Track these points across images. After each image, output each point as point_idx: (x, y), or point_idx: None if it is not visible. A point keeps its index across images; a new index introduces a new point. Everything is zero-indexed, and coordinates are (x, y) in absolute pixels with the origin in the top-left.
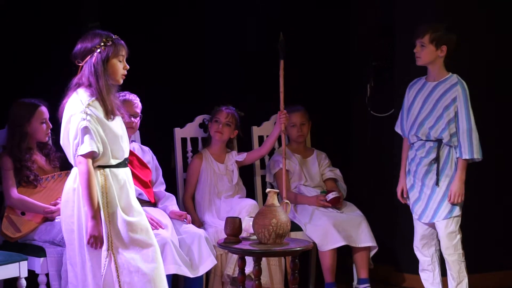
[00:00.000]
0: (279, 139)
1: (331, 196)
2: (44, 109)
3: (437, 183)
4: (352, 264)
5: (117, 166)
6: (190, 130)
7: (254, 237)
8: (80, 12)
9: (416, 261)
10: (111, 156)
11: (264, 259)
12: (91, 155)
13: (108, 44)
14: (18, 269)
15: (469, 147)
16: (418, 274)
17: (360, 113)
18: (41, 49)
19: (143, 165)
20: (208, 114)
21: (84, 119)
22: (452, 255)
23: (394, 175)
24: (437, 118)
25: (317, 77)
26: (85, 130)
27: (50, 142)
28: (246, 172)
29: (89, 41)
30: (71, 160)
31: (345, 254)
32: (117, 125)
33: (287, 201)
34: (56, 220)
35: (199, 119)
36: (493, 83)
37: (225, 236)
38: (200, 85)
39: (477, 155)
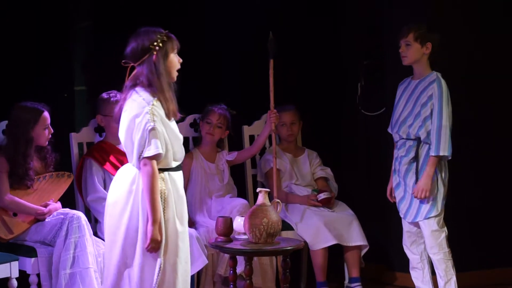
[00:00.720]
0: (270, 138)
1: (322, 196)
2: (47, 115)
3: (416, 181)
4: (344, 263)
5: (176, 169)
6: (181, 130)
7: (245, 236)
8: (72, 11)
9: (407, 260)
10: (172, 158)
11: (255, 258)
12: (158, 157)
13: (165, 39)
14: (9, 270)
15: (436, 144)
16: (408, 272)
17: (351, 112)
18: (33, 49)
19: None
20: (199, 113)
21: (150, 120)
22: (437, 254)
23: (385, 174)
24: (415, 115)
25: (308, 76)
26: (152, 131)
27: (48, 146)
28: (237, 172)
29: (145, 39)
30: (131, 161)
31: (336, 253)
32: (176, 125)
33: (278, 200)
34: (47, 220)
35: (190, 118)
36: (474, 83)
37: (216, 235)
38: (191, 84)
39: (443, 152)
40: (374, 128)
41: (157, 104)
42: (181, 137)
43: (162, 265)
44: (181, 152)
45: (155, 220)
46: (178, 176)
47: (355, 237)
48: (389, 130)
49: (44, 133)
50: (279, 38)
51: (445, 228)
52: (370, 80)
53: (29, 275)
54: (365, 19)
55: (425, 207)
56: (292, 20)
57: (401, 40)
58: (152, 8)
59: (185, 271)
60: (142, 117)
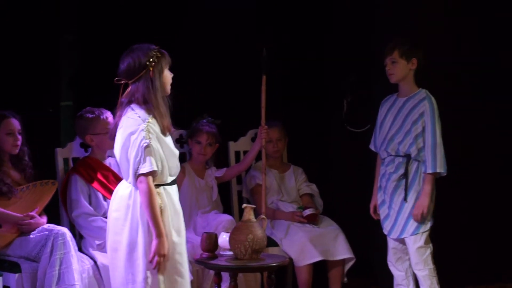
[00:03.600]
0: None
1: (307, 212)
2: (13, 121)
3: (405, 198)
4: (328, 279)
5: (172, 183)
6: None
7: (231, 252)
8: (57, 24)
9: (390, 276)
10: (168, 174)
11: (240, 274)
12: (153, 174)
13: (159, 55)
14: None
15: (432, 161)
16: None
17: (337, 129)
18: (19, 64)
19: (119, 180)
20: (184, 128)
21: (145, 137)
22: (422, 270)
23: (371, 190)
24: (406, 133)
25: (294, 92)
26: (147, 149)
27: (27, 158)
28: (222, 187)
29: (142, 55)
30: (126, 177)
31: (321, 269)
32: (171, 141)
33: (264, 217)
34: (31, 236)
35: (175, 134)
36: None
37: (201, 251)
38: (177, 100)
39: (440, 169)
40: (360, 145)
41: (153, 121)
42: (177, 152)
43: (163, 279)
44: (176, 167)
45: (158, 234)
46: (174, 190)
47: (341, 251)
48: (372, 147)
49: (8, 139)
50: (266, 53)
51: (431, 245)
52: (356, 96)
53: None
54: (351, 36)
55: (413, 224)
56: (279, 36)
57: (386, 58)
58: (139, 23)
59: (182, 284)
60: (137, 134)
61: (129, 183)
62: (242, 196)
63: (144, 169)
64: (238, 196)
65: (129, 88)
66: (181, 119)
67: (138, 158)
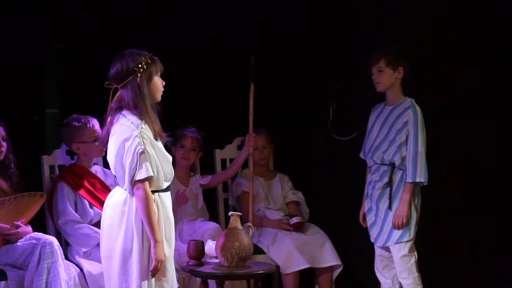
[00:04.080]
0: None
1: (294, 220)
2: None
3: (389, 207)
4: (315, 286)
5: (166, 190)
6: None
7: (217, 260)
8: (42, 32)
9: (377, 283)
10: (163, 179)
11: (227, 282)
12: (149, 180)
13: (149, 62)
14: None
15: (413, 170)
16: None
17: (322, 137)
18: (5, 72)
19: (106, 188)
20: (168, 136)
21: (140, 143)
22: (406, 278)
23: (357, 198)
24: (390, 141)
25: (279, 100)
26: (143, 155)
27: (13, 166)
28: (208, 195)
29: (130, 61)
30: (123, 185)
31: (310, 277)
32: (162, 146)
33: (250, 224)
34: (18, 243)
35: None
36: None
37: (188, 259)
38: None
39: (420, 179)
40: (346, 153)
41: (145, 127)
42: (170, 157)
43: (156, 286)
44: (171, 172)
45: (157, 241)
46: (168, 197)
47: (328, 258)
48: (361, 155)
49: None
50: (254, 61)
51: (415, 253)
52: (341, 104)
53: None
54: (336, 44)
55: (397, 232)
56: (264, 44)
57: (372, 66)
58: (124, 32)
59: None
60: (132, 141)
61: (125, 189)
62: (228, 203)
63: (140, 175)
64: (224, 204)
65: (118, 93)
66: (166, 127)
67: (134, 165)
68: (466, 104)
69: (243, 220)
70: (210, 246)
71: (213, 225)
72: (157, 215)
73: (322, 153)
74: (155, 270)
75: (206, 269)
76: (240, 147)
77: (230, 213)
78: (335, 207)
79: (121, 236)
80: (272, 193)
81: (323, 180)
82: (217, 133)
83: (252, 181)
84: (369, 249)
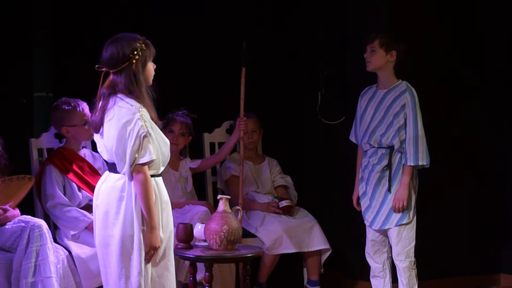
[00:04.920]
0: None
1: (284, 203)
2: None
3: (389, 189)
4: (303, 269)
5: (160, 174)
6: None
7: (206, 243)
8: (30, 18)
9: (366, 267)
10: (161, 163)
11: (215, 265)
12: (151, 164)
13: (143, 48)
14: None
15: (414, 154)
16: (368, 280)
17: (311, 121)
18: None
19: (94, 171)
20: (160, 120)
21: (143, 126)
22: (403, 261)
23: (345, 182)
24: (388, 125)
25: (268, 85)
26: (146, 138)
27: (1, 148)
28: (197, 178)
29: (126, 47)
30: (121, 169)
31: (297, 260)
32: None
33: (239, 208)
34: (6, 226)
35: None
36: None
37: (177, 242)
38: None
39: (422, 162)
40: (334, 137)
41: (145, 110)
42: (168, 141)
43: (154, 273)
44: (168, 156)
45: (153, 227)
46: (162, 181)
47: (316, 242)
48: (352, 139)
49: None
50: (240, 46)
51: (414, 237)
52: (330, 89)
53: None
54: (325, 29)
55: (396, 215)
56: (255, 29)
57: (367, 45)
58: (113, 15)
59: (170, 280)
60: (134, 124)
61: (123, 174)
62: (217, 187)
63: (143, 158)
64: (213, 187)
65: (110, 77)
66: (158, 112)
67: (136, 148)
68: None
69: (232, 204)
70: (199, 229)
71: (202, 208)
72: (154, 200)
73: (310, 137)
74: (149, 256)
75: (195, 252)
76: (229, 131)
77: (219, 196)
78: (324, 191)
79: (119, 223)
80: (261, 177)
81: (312, 164)
82: (206, 116)
83: (242, 165)
84: (358, 233)
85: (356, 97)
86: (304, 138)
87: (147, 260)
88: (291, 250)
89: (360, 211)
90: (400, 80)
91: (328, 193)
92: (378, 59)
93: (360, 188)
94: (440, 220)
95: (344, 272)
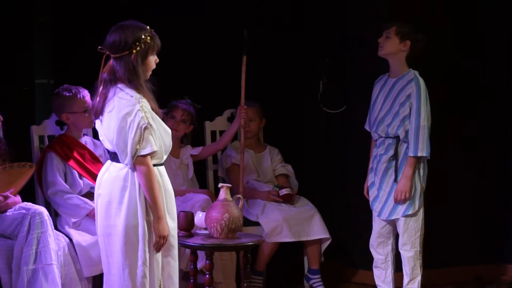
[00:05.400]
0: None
1: (284, 191)
2: None
3: (395, 179)
4: (303, 258)
5: (162, 163)
6: None
7: (207, 231)
8: (31, 5)
9: (366, 256)
10: (163, 153)
11: (216, 253)
12: (153, 155)
13: (148, 40)
14: None
15: (414, 144)
16: (369, 269)
17: (312, 109)
18: None
19: (95, 159)
20: (162, 108)
21: (143, 117)
22: (408, 251)
23: (346, 171)
24: (394, 115)
25: (269, 73)
26: (147, 130)
27: (1, 134)
28: (198, 167)
29: (129, 35)
30: (124, 160)
31: (297, 249)
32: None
33: (240, 196)
34: (7, 213)
35: None
36: (451, 82)
37: (178, 230)
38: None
39: (421, 153)
40: (335, 126)
41: (145, 101)
42: (169, 131)
43: (161, 261)
44: (170, 145)
45: (160, 217)
46: (164, 170)
47: (316, 230)
48: (367, 127)
49: None
50: (241, 35)
51: (421, 227)
52: (331, 78)
53: None
54: (327, 17)
55: (402, 206)
56: (255, 18)
57: (383, 30)
58: (115, 3)
59: (174, 267)
60: (134, 115)
61: (125, 164)
62: (217, 175)
63: (145, 150)
64: (214, 176)
65: (110, 62)
66: (160, 102)
67: (137, 139)
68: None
69: (233, 192)
70: (200, 218)
71: (203, 196)
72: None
73: (311, 126)
74: (158, 246)
75: (195, 240)
76: (230, 119)
77: (220, 184)
78: (324, 181)
79: (122, 212)
80: (262, 166)
81: (313, 153)
82: (207, 105)
83: (243, 153)
84: (358, 222)
85: (357, 85)
86: (305, 127)
87: (157, 250)
88: (290, 239)
89: (357, 200)
90: (410, 69)
91: (329, 183)
92: (391, 45)
93: (369, 179)
94: (443, 209)
95: (344, 262)
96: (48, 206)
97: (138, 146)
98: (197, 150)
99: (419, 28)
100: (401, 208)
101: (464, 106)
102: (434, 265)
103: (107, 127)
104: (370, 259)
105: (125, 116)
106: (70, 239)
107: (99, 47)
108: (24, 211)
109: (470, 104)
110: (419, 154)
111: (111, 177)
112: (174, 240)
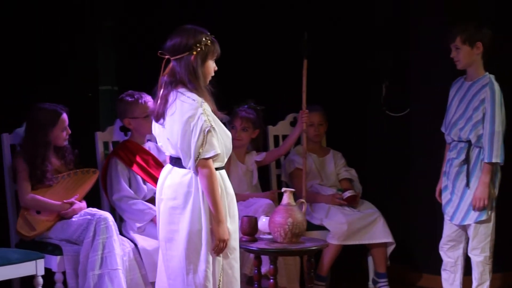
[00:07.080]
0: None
1: (347, 194)
2: (65, 117)
3: (467, 184)
4: (367, 263)
5: (223, 167)
6: None
7: (270, 236)
8: (95, 12)
9: (432, 260)
10: (224, 156)
11: (280, 258)
12: (216, 158)
13: (208, 44)
14: (35, 267)
15: (489, 150)
16: (434, 273)
17: (375, 113)
18: (58, 49)
19: (159, 164)
20: (227, 112)
21: (206, 121)
22: (478, 256)
23: (410, 175)
24: (467, 119)
25: (333, 77)
26: (210, 133)
27: (68, 144)
28: (261, 171)
29: (191, 37)
30: (187, 164)
31: (358, 253)
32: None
33: (303, 200)
34: (73, 219)
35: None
36: None
37: (241, 235)
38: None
39: (496, 159)
40: (398, 129)
41: (206, 104)
42: (229, 134)
43: (223, 266)
44: (230, 148)
45: (220, 220)
46: (225, 174)
47: (379, 234)
48: (443, 129)
49: (62, 134)
50: (307, 37)
51: (492, 232)
52: (394, 81)
53: (54, 273)
54: (392, 20)
55: (476, 211)
56: (319, 20)
57: (450, 45)
58: (176, 9)
59: (237, 270)
60: (197, 119)
61: (189, 169)
62: (281, 180)
63: (208, 153)
64: (277, 180)
65: (171, 65)
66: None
67: (200, 143)
68: None
69: (296, 197)
70: (264, 222)
71: (266, 201)
72: (220, 193)
73: (375, 129)
74: (218, 249)
75: (259, 245)
76: (293, 124)
77: (284, 189)
78: (388, 185)
79: (186, 218)
80: (325, 170)
81: (376, 157)
82: (270, 109)
83: (305, 158)
84: (423, 226)
85: (420, 89)
86: (368, 130)
87: (217, 253)
88: (351, 241)
89: (420, 204)
90: (486, 73)
91: (393, 187)
92: (465, 56)
93: (442, 182)
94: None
95: (409, 265)
96: (113, 211)
97: (201, 150)
98: (261, 156)
99: (480, 22)
100: (474, 214)
101: None
102: (504, 268)
103: (170, 131)
104: (435, 263)
105: (188, 119)
106: (135, 244)
107: (159, 51)
108: (89, 216)
109: None
110: (494, 161)
111: (175, 183)
112: (235, 242)
